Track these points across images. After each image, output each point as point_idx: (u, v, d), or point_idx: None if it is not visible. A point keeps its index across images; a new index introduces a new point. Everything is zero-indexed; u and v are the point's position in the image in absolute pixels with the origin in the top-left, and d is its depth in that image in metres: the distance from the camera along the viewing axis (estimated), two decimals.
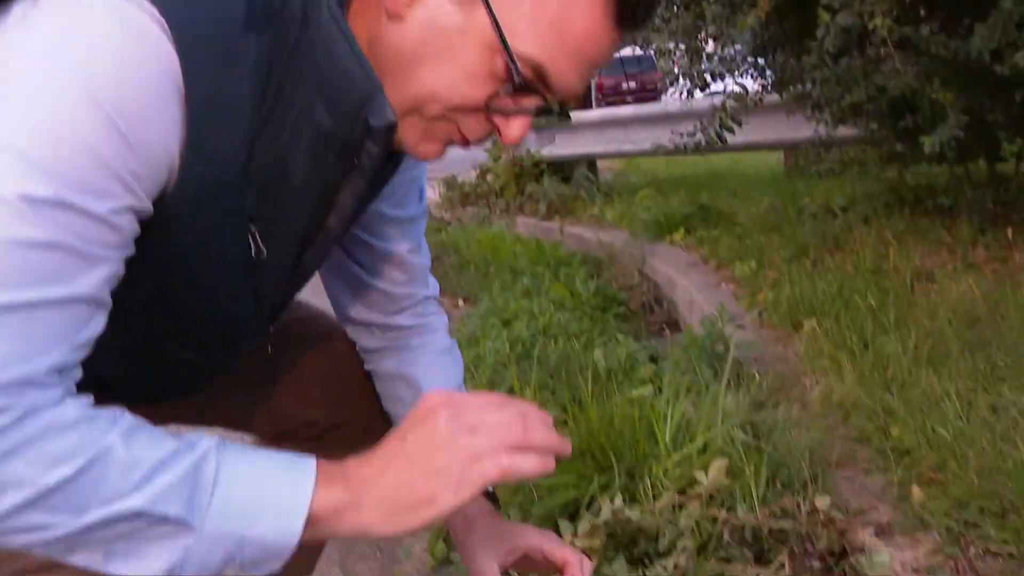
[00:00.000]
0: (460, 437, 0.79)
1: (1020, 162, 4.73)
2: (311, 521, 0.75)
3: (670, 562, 1.83)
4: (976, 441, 2.01)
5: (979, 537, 1.75)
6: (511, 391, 2.60)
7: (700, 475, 2.00)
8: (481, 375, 2.86)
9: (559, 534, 1.95)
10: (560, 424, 2.36)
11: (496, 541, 1.14)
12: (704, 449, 2.12)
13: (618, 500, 1.95)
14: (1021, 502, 1.79)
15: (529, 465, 0.80)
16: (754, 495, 1.98)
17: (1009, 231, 3.87)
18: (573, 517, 2.02)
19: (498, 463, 0.78)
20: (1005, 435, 2.02)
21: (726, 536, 1.89)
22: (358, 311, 1.25)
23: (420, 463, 0.78)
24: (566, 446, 0.85)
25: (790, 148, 6.96)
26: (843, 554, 1.87)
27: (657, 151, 6.80)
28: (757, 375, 2.73)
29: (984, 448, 1.97)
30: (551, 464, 0.82)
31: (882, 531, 1.88)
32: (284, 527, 0.74)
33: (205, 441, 0.74)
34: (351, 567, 2.14)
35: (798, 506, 1.97)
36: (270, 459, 0.76)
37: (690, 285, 4.26)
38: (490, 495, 1.22)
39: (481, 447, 0.78)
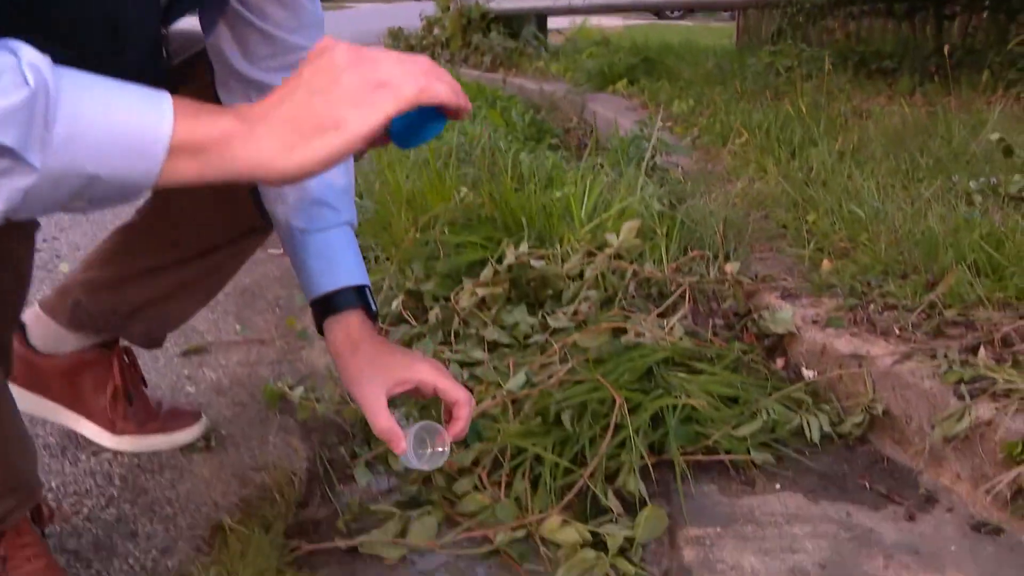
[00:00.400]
0: (363, 64, 0.69)
1: (968, 21, 4.71)
2: (193, 151, 0.64)
3: (572, 309, 1.80)
4: (889, 218, 1.99)
5: (880, 295, 1.74)
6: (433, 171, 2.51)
7: (611, 238, 1.96)
8: (399, 169, 2.75)
9: (461, 289, 1.90)
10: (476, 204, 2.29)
11: (384, 371, 1.08)
12: (620, 215, 2.07)
13: (524, 246, 1.90)
14: (924, 265, 1.78)
15: (444, 90, 0.71)
16: (664, 258, 1.95)
17: (949, 85, 3.86)
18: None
19: (415, 82, 0.69)
20: (916, 215, 2.00)
21: (631, 289, 1.86)
22: (238, 61, 1.09)
23: (322, 90, 0.68)
24: (469, 102, 0.77)
25: (742, 9, 6.84)
26: (748, 315, 1.86)
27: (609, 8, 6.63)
28: (682, 179, 2.68)
29: (896, 224, 1.95)
30: (463, 101, 0.74)
31: (788, 294, 1.87)
32: (141, 163, 0.63)
33: (40, 60, 0.61)
34: (248, 319, 2.07)
35: (707, 268, 1.95)
36: (120, 88, 0.64)
37: (628, 124, 4.17)
38: (373, 315, 1.14)
39: (389, 72, 0.69)
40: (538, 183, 2.50)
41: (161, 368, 1.77)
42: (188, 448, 1.48)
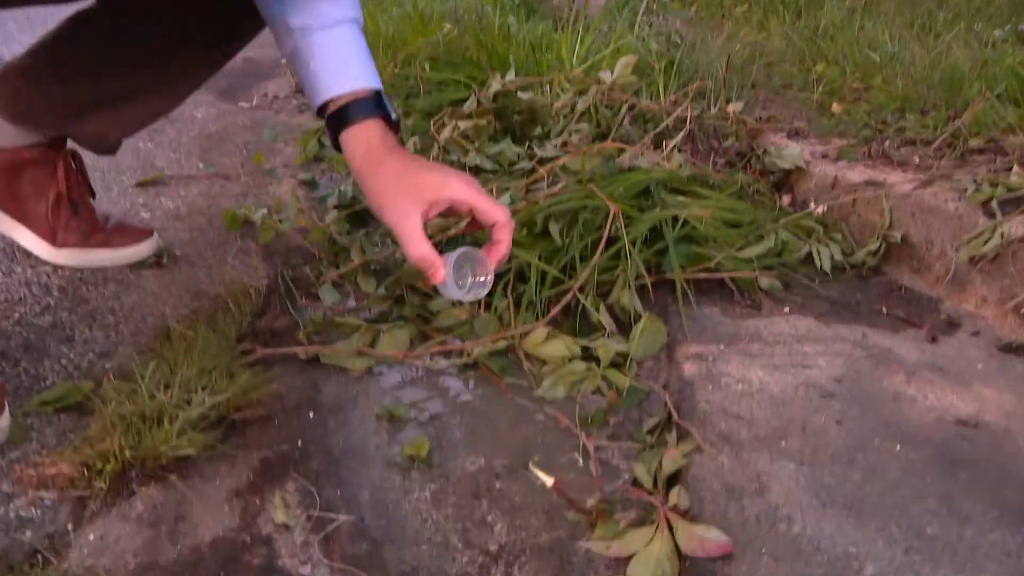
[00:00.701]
0: None
1: None
2: None
3: (560, 140, 1.65)
4: (905, 62, 1.84)
5: (896, 131, 1.60)
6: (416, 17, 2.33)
7: (605, 75, 1.80)
8: (379, 19, 2.56)
9: (443, 124, 1.75)
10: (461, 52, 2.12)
11: (415, 190, 0.95)
12: (615, 54, 1.91)
13: (511, 75, 1.74)
14: (945, 102, 1.64)
15: None
16: (661, 95, 1.80)
17: None
18: None
19: None
20: (936, 60, 1.85)
21: (626, 123, 1.71)
22: None
23: None
24: None
25: None
26: (751, 154, 1.72)
27: None
28: (680, 40, 2.51)
29: (912, 65, 1.81)
30: None
31: (795, 134, 1.72)
32: None
33: None
34: (214, 160, 1.91)
35: (708, 106, 1.80)
36: None
37: None
38: (394, 124, 1.00)
39: None
40: (527, 39, 2.34)
41: (114, 197, 1.62)
42: (137, 265, 1.33)
